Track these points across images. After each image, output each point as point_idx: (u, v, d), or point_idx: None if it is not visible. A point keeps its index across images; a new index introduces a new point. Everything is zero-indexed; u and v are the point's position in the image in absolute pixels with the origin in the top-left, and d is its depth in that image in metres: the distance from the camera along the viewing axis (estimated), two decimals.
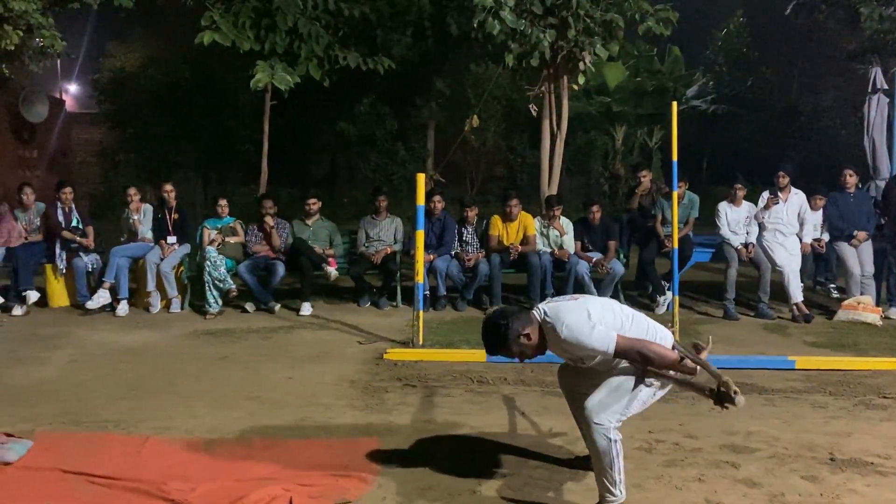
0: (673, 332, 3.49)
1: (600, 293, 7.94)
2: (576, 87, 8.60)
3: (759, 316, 7.47)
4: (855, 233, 7.55)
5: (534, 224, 8.03)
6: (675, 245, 6.33)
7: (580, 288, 7.88)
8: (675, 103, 6.02)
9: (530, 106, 8.77)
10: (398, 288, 8.04)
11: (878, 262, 7.62)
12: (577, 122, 15.96)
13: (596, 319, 3.10)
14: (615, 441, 3.11)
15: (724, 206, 7.92)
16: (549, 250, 7.99)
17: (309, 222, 8.16)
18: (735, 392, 2.87)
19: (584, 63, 8.01)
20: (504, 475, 3.63)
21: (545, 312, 3.19)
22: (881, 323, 7.18)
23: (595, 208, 8.21)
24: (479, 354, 5.78)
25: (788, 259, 7.50)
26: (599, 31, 7.97)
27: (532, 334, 3.19)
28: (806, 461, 3.87)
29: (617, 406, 3.14)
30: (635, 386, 3.18)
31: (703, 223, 8.67)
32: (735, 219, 7.83)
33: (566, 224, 8.11)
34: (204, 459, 3.81)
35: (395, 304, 7.97)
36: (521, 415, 4.56)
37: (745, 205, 7.90)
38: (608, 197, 17.27)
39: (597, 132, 18.56)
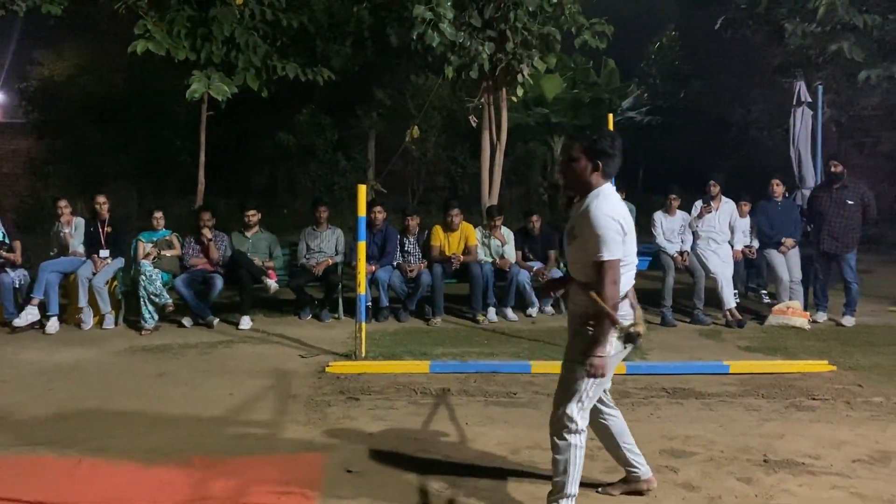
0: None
1: (541, 302, 8.05)
2: (514, 98, 8.72)
3: (694, 322, 7.67)
4: (783, 240, 7.85)
5: (475, 234, 8.09)
6: None
7: (521, 297, 7.97)
8: (610, 115, 6.17)
9: (470, 117, 8.84)
10: (340, 300, 7.97)
11: (805, 269, 7.93)
12: (517, 133, 16.15)
13: (619, 237, 3.04)
14: (573, 445, 3.17)
15: (659, 216, 8.13)
16: (490, 260, 8.05)
17: (248, 234, 8.02)
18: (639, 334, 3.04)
19: (523, 75, 8.13)
20: (449, 486, 3.63)
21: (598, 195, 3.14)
22: (809, 327, 7.46)
23: (535, 218, 8.33)
24: (423, 366, 5.79)
25: (722, 266, 7.73)
26: (537, 44, 8.10)
27: (584, 168, 3.15)
28: (741, 463, 3.99)
29: (571, 400, 3.16)
30: (580, 373, 3.14)
31: (640, 232, 8.84)
32: (670, 228, 8.04)
33: (507, 234, 8.19)
34: (142, 481, 3.70)
35: (337, 316, 7.90)
36: (466, 425, 4.57)
37: (680, 214, 8.13)
38: (548, 206, 17.51)
39: (536, 143, 18.82)
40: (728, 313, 7.60)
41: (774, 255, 7.87)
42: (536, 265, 8.14)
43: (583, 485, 3.61)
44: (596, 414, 3.43)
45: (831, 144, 14.85)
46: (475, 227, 8.22)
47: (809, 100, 8.64)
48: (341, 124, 17.00)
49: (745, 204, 8.22)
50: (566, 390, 3.20)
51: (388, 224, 8.13)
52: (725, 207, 8.03)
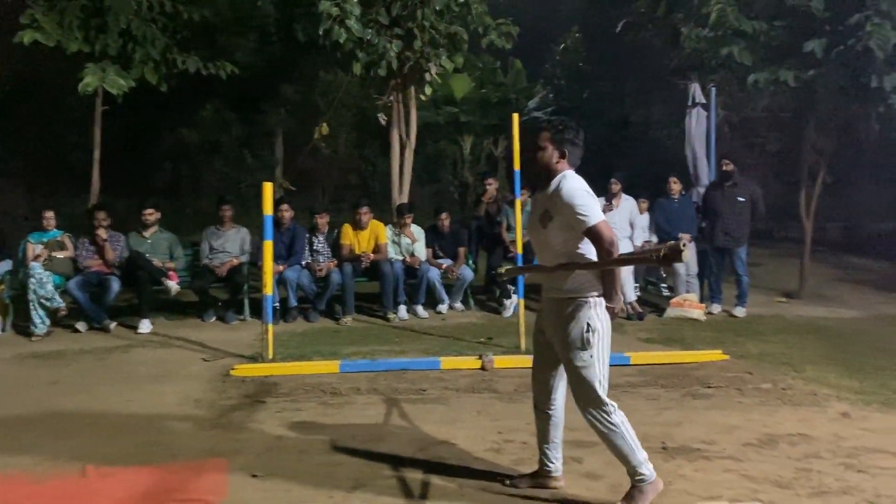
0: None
1: (451, 298, 8.12)
2: (423, 97, 8.74)
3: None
4: (679, 235, 8.19)
5: (385, 232, 8.06)
6: (520, 250, 6.58)
7: (431, 295, 8.01)
8: (516, 115, 6.26)
9: (379, 115, 8.80)
10: (246, 301, 7.78)
11: (700, 263, 8.31)
12: (427, 132, 16.21)
13: (596, 203, 3.18)
14: (617, 425, 3.24)
15: None
16: (400, 258, 8.05)
17: (146, 234, 7.72)
18: (684, 245, 2.85)
19: (431, 74, 8.16)
20: (359, 487, 3.60)
21: (564, 176, 3.25)
22: (704, 318, 7.83)
23: (444, 216, 8.38)
24: (332, 366, 5.73)
25: None
26: (444, 43, 8.15)
27: (551, 157, 3.28)
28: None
29: (592, 390, 3.22)
30: (587, 358, 3.22)
31: None
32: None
33: (417, 231, 8.21)
34: (34, 496, 3.50)
35: (243, 317, 7.71)
36: (376, 424, 4.55)
37: None
38: (459, 204, 17.66)
39: (446, 141, 18.94)
40: (629, 306, 7.88)
41: None
42: (446, 262, 8.20)
43: (490, 476, 3.68)
44: (546, 401, 3.53)
45: (724, 144, 15.57)
46: (386, 225, 8.20)
47: (703, 101, 9.05)
48: (247, 121, 16.60)
49: (644, 201, 8.54)
50: (583, 384, 3.25)
51: (296, 223, 8.00)
52: (626, 205, 8.32)
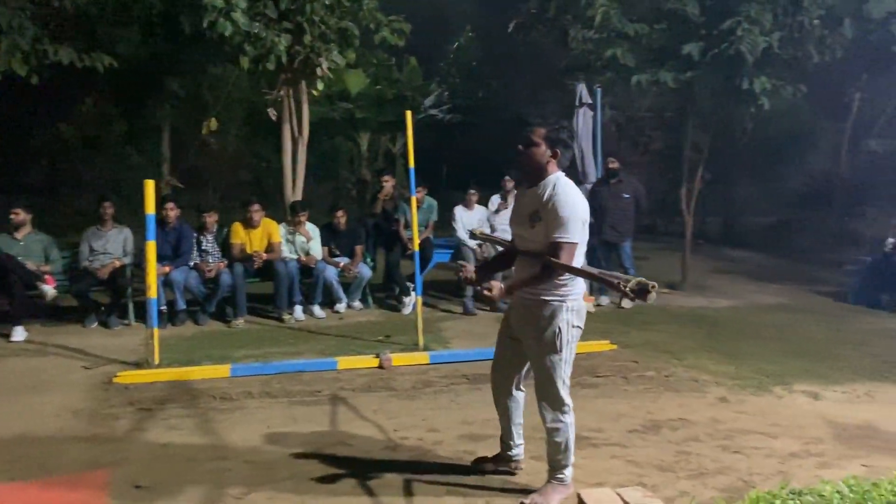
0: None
1: (349, 297, 8.04)
2: (315, 92, 8.59)
3: (492, 309, 8.03)
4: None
5: (278, 230, 7.88)
6: (417, 248, 6.59)
7: (328, 294, 7.91)
8: (409, 112, 6.26)
9: (269, 110, 8.59)
10: (130, 304, 7.42)
11: (589, 257, 8.55)
12: (322, 128, 15.97)
13: (580, 224, 3.22)
14: (567, 424, 3.40)
15: (459, 210, 8.42)
16: (295, 257, 7.89)
17: (18, 236, 7.21)
18: (653, 287, 2.83)
19: (322, 69, 8.03)
20: (249, 491, 3.51)
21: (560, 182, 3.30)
22: (594, 310, 8.10)
23: (340, 213, 8.29)
24: (222, 370, 5.55)
25: None
26: (335, 38, 8.04)
27: (544, 154, 3.31)
28: (534, 441, 4.21)
29: (555, 389, 3.35)
30: (557, 360, 3.34)
31: (444, 226, 9.14)
32: (469, 221, 8.36)
33: (312, 230, 8.08)
34: None
35: (127, 322, 7.35)
36: (267, 428, 4.44)
37: (478, 208, 8.48)
38: (356, 202, 17.50)
39: (341, 138, 18.72)
40: None
41: None
42: (343, 261, 8.10)
43: (387, 471, 3.67)
44: (507, 395, 3.67)
45: (611, 143, 16.18)
46: (279, 223, 8.02)
47: (590, 101, 9.33)
48: (131, 115, 15.81)
49: None
50: (548, 382, 3.36)
51: (182, 222, 7.68)
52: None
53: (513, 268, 3.69)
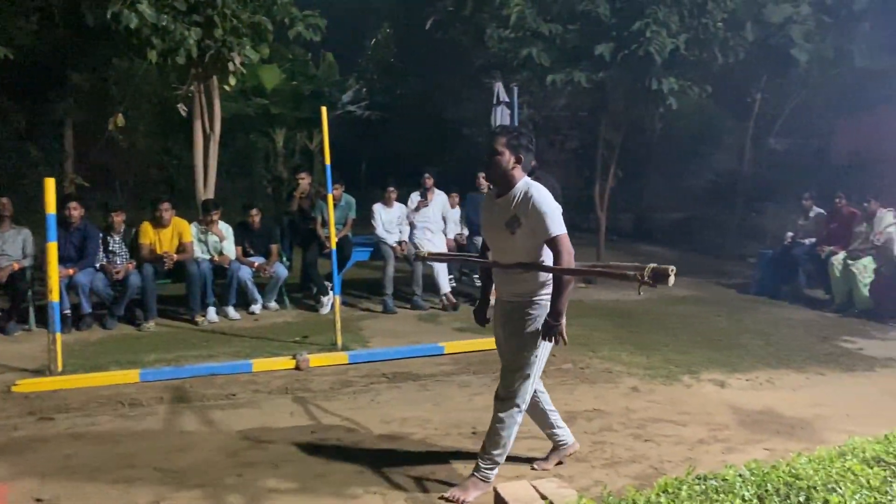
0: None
1: (265, 298, 7.88)
2: (227, 87, 8.36)
3: (414, 308, 8.04)
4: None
5: (189, 230, 7.64)
6: (334, 246, 6.51)
7: (243, 295, 7.72)
8: (324, 108, 6.17)
9: (179, 105, 8.31)
10: (31, 309, 7.04)
11: None
12: (236, 124, 15.59)
13: (560, 216, 3.33)
14: (515, 423, 3.46)
15: (378, 208, 8.37)
16: (208, 257, 7.66)
17: None
18: (672, 270, 3.01)
19: (234, 64, 7.82)
20: (160, 501, 3.38)
21: (531, 184, 3.39)
22: None
23: (255, 212, 8.11)
24: (131, 375, 5.34)
25: None
26: (248, 33, 7.85)
27: (508, 161, 3.37)
28: (453, 438, 4.26)
29: (519, 385, 3.42)
30: (531, 358, 3.41)
31: (363, 224, 9.06)
32: (388, 219, 8.32)
33: (225, 229, 7.86)
34: None
35: (27, 327, 6.97)
36: (180, 433, 4.29)
37: (398, 206, 8.45)
38: (272, 199, 17.16)
39: (257, 134, 18.32)
40: (444, 298, 8.08)
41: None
42: (258, 260, 7.93)
43: (301, 476, 3.61)
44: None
45: None
46: (191, 222, 7.77)
47: (507, 99, 9.43)
48: (30, 110, 15.00)
49: (455, 195, 8.80)
50: (515, 377, 3.42)
51: (87, 222, 7.34)
52: (438, 199, 8.53)
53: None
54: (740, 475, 2.43)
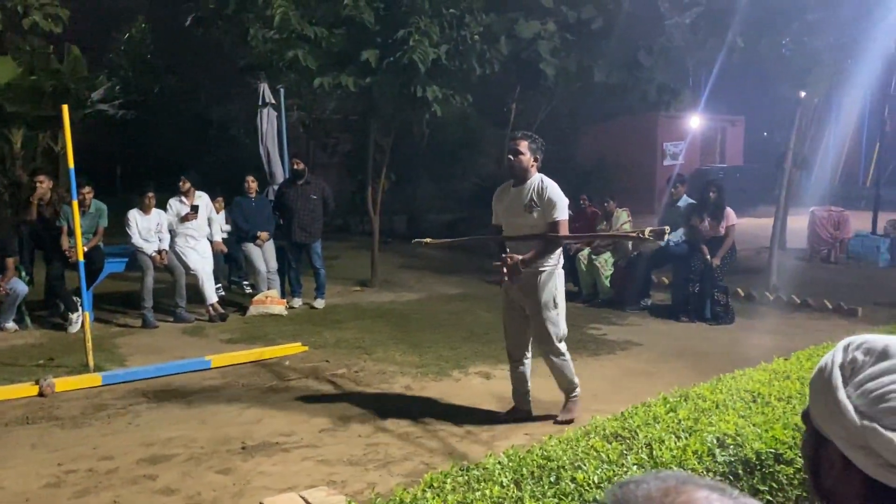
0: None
1: (2, 318, 6.98)
2: None
3: (178, 321, 7.56)
4: (258, 233, 8.26)
5: None
6: (81, 257, 5.92)
7: None
8: (65, 107, 5.61)
9: None
10: None
11: (280, 259, 8.51)
12: None
13: (566, 204, 4.53)
14: (567, 360, 4.62)
15: (134, 214, 7.74)
16: None
17: None
18: (666, 230, 4.24)
19: None
20: None
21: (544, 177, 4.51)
22: (287, 312, 8.04)
23: None
24: None
25: (201, 262, 7.78)
26: None
27: (528, 160, 4.45)
28: (221, 455, 4.06)
29: (553, 335, 4.49)
30: (555, 316, 4.49)
31: (118, 232, 8.33)
32: (146, 226, 7.73)
33: None
34: None
35: None
36: None
37: (156, 212, 7.88)
38: (11, 207, 15.24)
39: None
40: (211, 308, 7.69)
41: (251, 248, 8.25)
42: None
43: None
44: (521, 353, 4.65)
45: (300, 144, 16.25)
46: None
47: (273, 101, 9.25)
48: None
49: (220, 199, 8.43)
50: (548, 335, 4.47)
51: None
52: (200, 203, 8.07)
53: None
54: (499, 462, 2.56)
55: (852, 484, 0.99)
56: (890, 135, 20.82)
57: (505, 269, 4.28)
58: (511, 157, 4.49)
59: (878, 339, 1.01)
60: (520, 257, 4.29)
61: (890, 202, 19.77)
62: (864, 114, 21.42)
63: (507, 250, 4.53)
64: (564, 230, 4.44)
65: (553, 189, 4.44)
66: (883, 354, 0.99)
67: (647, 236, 4.12)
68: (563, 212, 4.41)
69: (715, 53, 10.93)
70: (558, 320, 4.50)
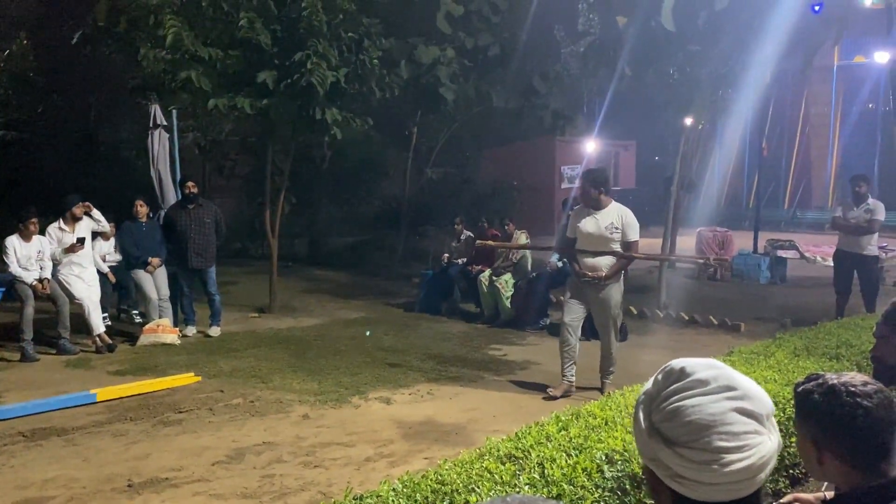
0: None
1: None
2: None
3: (61, 353, 7.15)
4: (150, 259, 7.93)
5: None
6: None
7: None
8: None
9: None
10: None
11: (172, 286, 8.18)
12: None
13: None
14: (616, 347, 6.05)
15: (13, 241, 7.28)
16: None
17: None
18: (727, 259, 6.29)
19: None
20: None
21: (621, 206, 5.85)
22: (179, 341, 7.73)
23: None
24: None
25: (87, 291, 7.40)
26: None
27: (596, 193, 5.68)
28: (105, 495, 3.85)
29: (616, 328, 5.95)
30: (618, 312, 5.91)
31: None
32: (26, 254, 7.28)
33: None
34: None
35: None
36: None
37: (37, 238, 7.44)
38: None
39: None
40: (98, 339, 7.31)
41: (142, 275, 7.90)
42: None
43: None
44: (576, 332, 5.90)
45: (196, 166, 15.77)
46: None
47: (165, 123, 8.95)
48: None
49: (115, 226, 8.09)
50: (614, 326, 5.82)
51: None
52: (83, 225, 7.67)
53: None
54: (394, 489, 2.55)
55: (665, 496, 1.14)
56: (768, 160, 22.32)
57: (591, 274, 5.62)
58: (582, 192, 5.97)
59: (684, 362, 1.17)
60: (604, 272, 5.59)
61: (769, 222, 21.13)
62: (745, 140, 22.88)
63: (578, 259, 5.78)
64: (637, 249, 5.76)
65: (629, 213, 5.70)
66: (679, 375, 1.14)
67: (712, 262, 5.76)
68: (637, 233, 5.69)
69: (606, 82, 11.42)
70: (620, 315, 5.92)
